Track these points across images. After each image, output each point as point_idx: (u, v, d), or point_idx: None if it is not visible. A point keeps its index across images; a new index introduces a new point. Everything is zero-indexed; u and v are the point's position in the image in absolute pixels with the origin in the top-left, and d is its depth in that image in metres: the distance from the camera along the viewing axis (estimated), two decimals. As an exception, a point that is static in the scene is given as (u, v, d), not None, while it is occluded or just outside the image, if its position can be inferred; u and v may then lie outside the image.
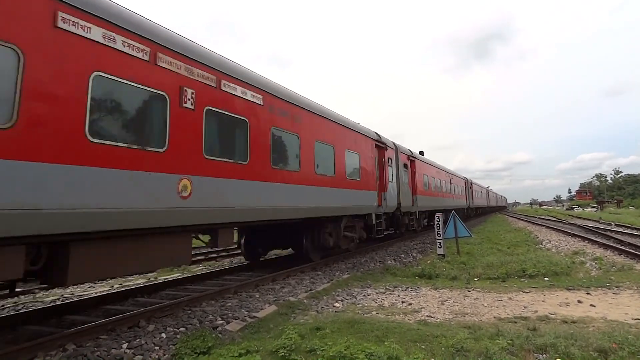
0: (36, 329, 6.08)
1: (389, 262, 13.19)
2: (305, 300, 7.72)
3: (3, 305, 8.37)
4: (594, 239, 17.72)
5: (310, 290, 8.68)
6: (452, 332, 5.35)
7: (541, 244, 17.40)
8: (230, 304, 7.52)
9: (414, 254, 15.32)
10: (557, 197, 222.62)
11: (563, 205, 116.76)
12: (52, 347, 5.10)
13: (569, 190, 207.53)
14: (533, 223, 33.91)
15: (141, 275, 11.46)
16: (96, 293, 9.27)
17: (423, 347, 4.94)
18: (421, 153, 24.69)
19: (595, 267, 10.93)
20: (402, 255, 14.87)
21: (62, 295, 9.19)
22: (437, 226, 13.87)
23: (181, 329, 6.02)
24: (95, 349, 5.13)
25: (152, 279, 10.93)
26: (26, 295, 9.44)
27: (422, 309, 7.09)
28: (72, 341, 5.30)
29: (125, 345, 5.28)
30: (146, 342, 5.38)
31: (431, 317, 6.56)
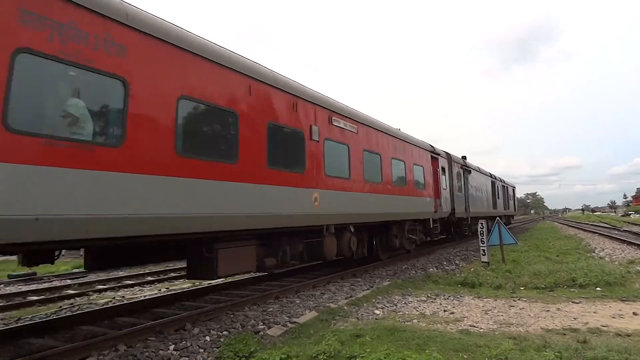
0: (90, 329, 6.44)
1: (431, 269, 12.99)
2: (345, 307, 7.74)
3: (61, 307, 8.90)
4: (652, 247, 16.69)
5: (350, 297, 8.69)
6: (496, 343, 5.21)
7: (593, 252, 16.57)
8: (271, 309, 7.65)
9: (457, 262, 15.00)
10: (611, 202, 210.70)
11: (615, 212, 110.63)
12: (105, 347, 5.40)
13: (625, 195, 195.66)
14: (584, 230, 32.31)
15: (187, 280, 11.85)
16: (145, 296, 9.67)
17: (465, 357, 4.85)
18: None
19: (653, 278, 10.29)
20: (445, 263, 14.61)
21: (114, 298, 9.65)
22: (480, 233, 13.51)
23: (224, 332, 6.20)
24: (145, 349, 5.38)
25: (197, 283, 11.28)
26: (81, 297, 9.99)
27: (465, 318, 6.94)
28: (123, 342, 5.58)
29: (172, 347, 5.50)
30: (191, 345, 5.59)
31: (474, 326, 6.41)
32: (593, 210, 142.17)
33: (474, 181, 23.64)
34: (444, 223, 18.46)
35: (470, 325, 6.45)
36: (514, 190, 42.55)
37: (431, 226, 16.05)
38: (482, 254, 13.21)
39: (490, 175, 29.39)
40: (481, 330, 6.18)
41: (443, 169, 18.01)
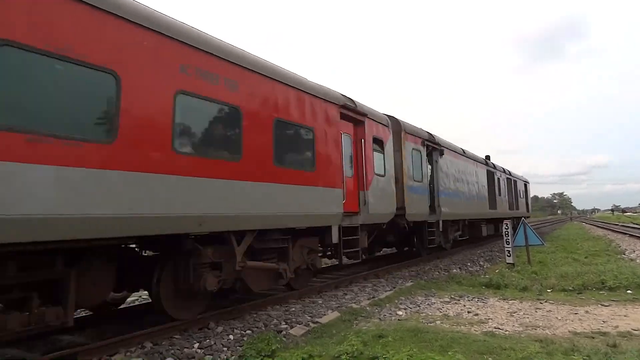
0: (118, 327, 6.58)
1: (455, 270, 12.83)
2: (367, 308, 7.72)
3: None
4: (687, 248, 16.08)
5: (372, 297, 8.66)
6: (522, 345, 5.12)
7: (623, 254, 16.07)
8: (294, 308, 7.69)
9: (481, 263, 14.79)
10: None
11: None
12: (132, 344, 5.52)
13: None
14: (614, 231, 31.37)
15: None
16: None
17: (490, 359, 4.78)
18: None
19: (688, 280, 9.91)
20: (469, 264, 14.41)
21: (140, 297, 9.84)
22: (505, 234, 13.28)
23: (247, 331, 6.26)
24: (170, 347, 5.48)
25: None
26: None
27: (490, 320, 6.83)
28: (149, 339, 5.69)
29: (196, 345, 5.59)
30: (215, 343, 5.66)
31: (499, 328, 6.30)
32: (623, 211, 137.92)
33: (452, 167, 16.26)
34: (386, 232, 12.28)
35: (495, 327, 6.35)
36: (525, 185, 31.92)
37: (335, 240, 8.86)
38: (507, 255, 12.98)
39: (486, 163, 21.37)
40: (506, 332, 6.08)
41: (378, 141, 11.06)
